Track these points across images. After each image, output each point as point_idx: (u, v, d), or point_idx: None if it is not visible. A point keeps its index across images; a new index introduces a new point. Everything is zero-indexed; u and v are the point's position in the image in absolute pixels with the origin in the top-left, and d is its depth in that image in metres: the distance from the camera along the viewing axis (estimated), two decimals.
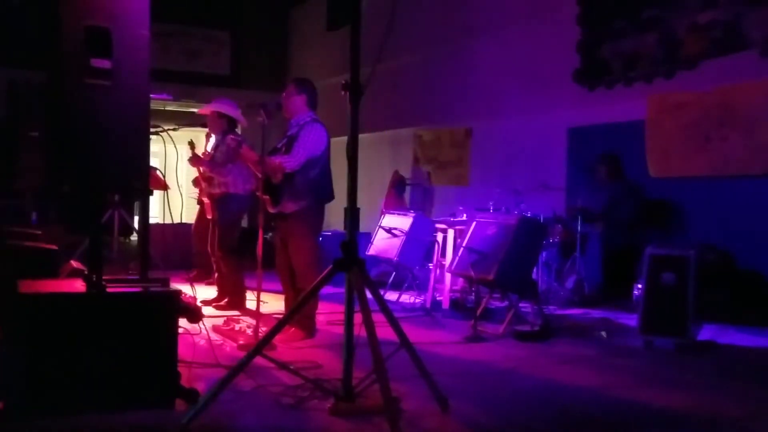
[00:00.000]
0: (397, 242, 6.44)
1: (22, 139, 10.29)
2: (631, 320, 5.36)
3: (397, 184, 8.98)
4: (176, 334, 3.13)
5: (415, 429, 2.99)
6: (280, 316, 4.35)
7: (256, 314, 4.50)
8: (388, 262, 6.70)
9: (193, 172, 6.59)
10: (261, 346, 3.12)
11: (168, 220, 7.02)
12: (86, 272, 3.28)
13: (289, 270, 4.88)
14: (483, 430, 3.07)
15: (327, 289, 3.74)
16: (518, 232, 5.41)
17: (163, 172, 6.78)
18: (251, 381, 3.56)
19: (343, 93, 3.09)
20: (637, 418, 3.30)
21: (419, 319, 5.82)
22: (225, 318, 5.28)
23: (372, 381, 3.08)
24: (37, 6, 10.06)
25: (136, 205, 6.92)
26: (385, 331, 3.07)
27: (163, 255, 6.81)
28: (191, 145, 6.27)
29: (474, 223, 5.84)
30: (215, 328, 4.90)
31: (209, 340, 4.09)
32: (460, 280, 6.42)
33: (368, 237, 6.93)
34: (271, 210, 4.79)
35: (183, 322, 3.23)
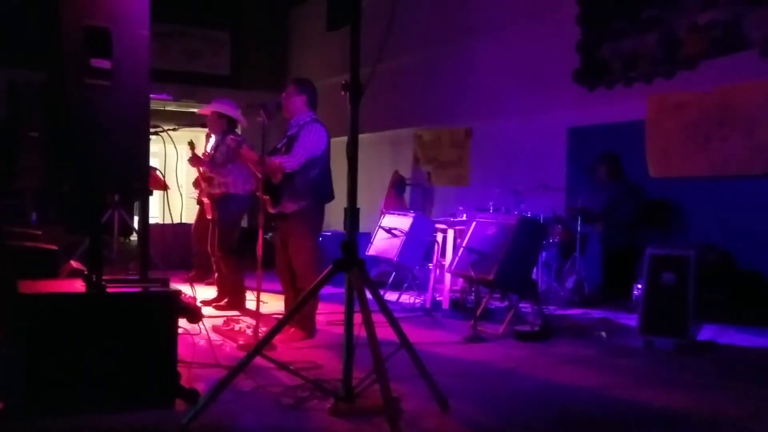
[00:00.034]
0: (397, 242, 6.44)
1: (22, 139, 10.28)
2: (631, 320, 5.36)
3: (397, 184, 8.97)
4: (176, 334, 3.13)
5: (415, 429, 2.98)
6: (280, 317, 4.34)
7: (255, 314, 4.50)
8: (388, 263, 6.69)
9: (193, 173, 6.59)
10: (261, 346, 3.12)
11: (168, 221, 7.02)
12: (86, 272, 3.29)
13: (289, 270, 4.88)
14: (483, 430, 3.07)
15: (327, 290, 3.74)
16: (518, 233, 5.41)
17: (163, 172, 6.78)
18: (251, 381, 3.55)
19: (343, 93, 3.09)
20: (637, 418, 3.30)
21: (419, 319, 5.82)
22: (225, 318, 5.28)
23: (372, 381, 3.08)
24: (37, 6, 10.05)
25: (136, 205, 6.93)
26: (385, 332, 3.07)
27: (163, 255, 6.83)
28: (191, 145, 6.27)
29: (474, 223, 5.84)
30: (215, 329, 4.90)
31: (209, 340, 4.09)
32: (460, 280, 6.41)
33: (368, 237, 6.92)
34: (271, 210, 4.79)
35: (183, 323, 3.23)
